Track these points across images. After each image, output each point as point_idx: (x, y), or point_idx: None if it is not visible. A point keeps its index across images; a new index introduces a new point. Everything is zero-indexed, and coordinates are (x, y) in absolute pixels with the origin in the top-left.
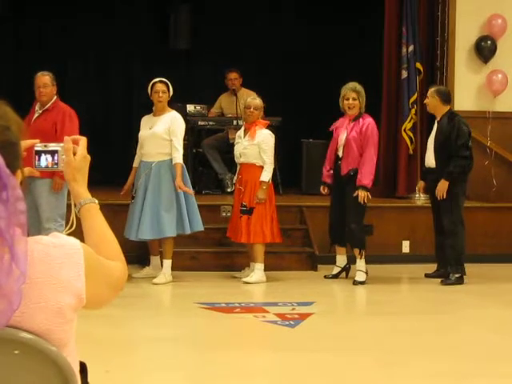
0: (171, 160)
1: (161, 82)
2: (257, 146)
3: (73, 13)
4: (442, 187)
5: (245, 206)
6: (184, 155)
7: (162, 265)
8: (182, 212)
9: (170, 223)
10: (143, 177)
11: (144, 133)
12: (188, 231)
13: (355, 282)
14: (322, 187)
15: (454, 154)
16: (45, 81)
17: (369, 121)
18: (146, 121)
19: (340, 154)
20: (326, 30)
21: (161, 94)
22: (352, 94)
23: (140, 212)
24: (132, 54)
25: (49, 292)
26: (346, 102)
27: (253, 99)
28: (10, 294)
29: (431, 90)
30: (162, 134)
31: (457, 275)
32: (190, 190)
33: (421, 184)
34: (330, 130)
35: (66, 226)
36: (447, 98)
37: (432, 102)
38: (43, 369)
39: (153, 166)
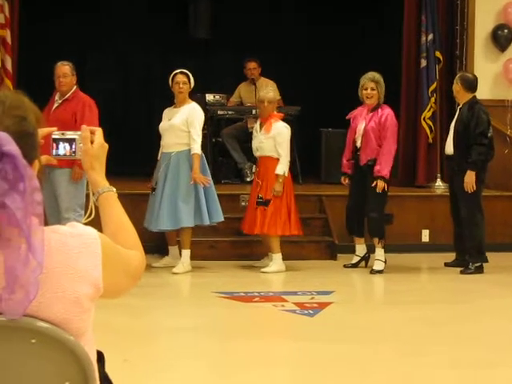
0: (190, 150)
1: (182, 73)
2: (272, 139)
3: (93, 3)
4: (470, 179)
5: (261, 198)
6: (203, 145)
7: (180, 254)
8: (200, 203)
9: (188, 214)
10: (163, 168)
11: (163, 124)
12: (207, 222)
13: (373, 271)
14: (342, 178)
15: (473, 142)
16: (65, 70)
17: (388, 111)
18: (166, 113)
19: (358, 144)
20: (346, 18)
21: (181, 85)
22: (370, 84)
23: (159, 203)
24: (151, 43)
25: (66, 282)
26: (364, 91)
27: (266, 93)
28: (27, 284)
29: (457, 77)
30: (180, 126)
31: (476, 264)
32: (206, 181)
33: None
34: (348, 118)
35: (85, 216)
36: (471, 85)
37: (455, 88)
38: (60, 358)
39: (172, 157)
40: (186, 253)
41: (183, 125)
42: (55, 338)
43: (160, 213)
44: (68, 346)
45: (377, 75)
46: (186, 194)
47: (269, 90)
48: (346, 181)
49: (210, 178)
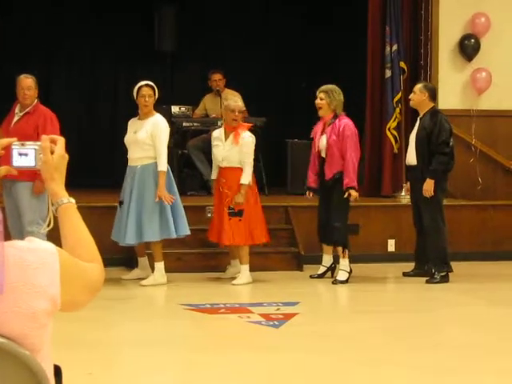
0: (155, 164)
1: (147, 85)
2: (240, 150)
3: (57, 13)
4: (429, 186)
5: (233, 209)
6: (169, 157)
7: (152, 266)
8: (166, 217)
9: (153, 228)
10: (128, 181)
11: (128, 137)
12: (174, 235)
13: (335, 281)
14: (307, 192)
15: (435, 150)
16: (29, 83)
17: (345, 122)
18: (131, 124)
19: (323, 155)
20: (311, 29)
21: (147, 99)
22: (320, 94)
23: (126, 217)
24: (117, 55)
25: (23, 297)
26: (316, 101)
27: (235, 102)
28: None
29: (419, 86)
30: (145, 139)
31: (442, 273)
32: (171, 200)
33: (409, 184)
34: (312, 137)
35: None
36: (434, 94)
37: (419, 97)
38: (16, 373)
39: (137, 170)
40: (160, 265)
41: (148, 138)
42: (10, 353)
43: (126, 227)
44: (23, 360)
45: (330, 86)
46: (151, 208)
47: (237, 99)
48: (311, 195)
49: (177, 193)
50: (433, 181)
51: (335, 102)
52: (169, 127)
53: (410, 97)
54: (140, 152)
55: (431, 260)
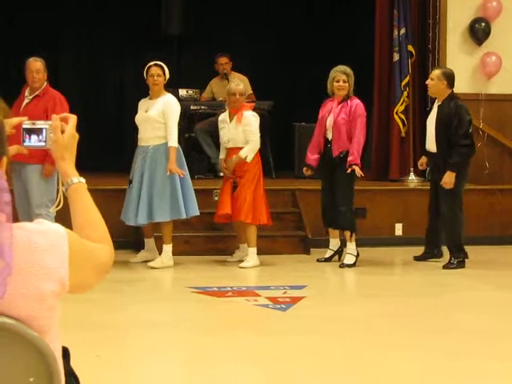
0: (166, 144)
1: (156, 65)
2: (243, 129)
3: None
4: (449, 179)
5: (235, 182)
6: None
7: (159, 249)
8: (177, 197)
9: (163, 208)
10: (139, 161)
11: (140, 116)
12: (184, 216)
13: (342, 265)
14: (304, 168)
15: (455, 143)
16: (38, 66)
17: (356, 102)
18: (142, 104)
19: (329, 136)
20: (318, 14)
21: (156, 78)
22: (342, 77)
23: (137, 198)
24: (124, 39)
25: (31, 279)
26: (336, 83)
27: (236, 85)
28: None
29: (438, 73)
30: (157, 117)
31: (459, 259)
32: (182, 172)
33: (423, 159)
34: (321, 116)
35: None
36: (453, 81)
37: (438, 85)
38: (24, 354)
39: (149, 150)
40: (168, 248)
41: (159, 116)
42: (19, 334)
43: (138, 208)
44: (32, 342)
45: (348, 69)
46: (162, 189)
47: (239, 82)
48: (308, 172)
49: (187, 172)
50: (453, 174)
51: (352, 84)
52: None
53: (426, 82)
54: (151, 131)
55: (448, 247)
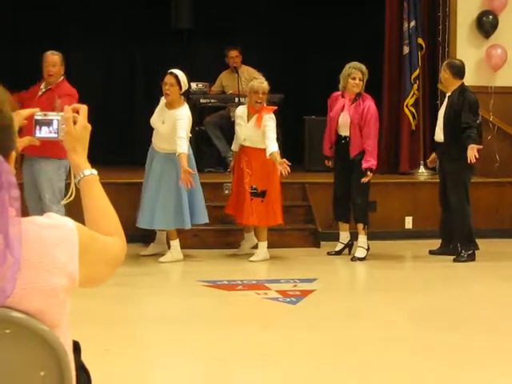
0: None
1: (171, 73)
2: (263, 132)
3: None
4: (472, 151)
5: (255, 189)
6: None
7: (168, 243)
8: (182, 206)
9: (167, 216)
10: (148, 162)
11: (155, 123)
12: (188, 226)
13: (354, 258)
14: (326, 161)
15: (465, 125)
16: (55, 60)
17: (369, 103)
18: (159, 110)
19: (343, 133)
20: (328, 6)
21: (167, 87)
22: (359, 74)
23: (143, 199)
24: (134, 33)
25: (42, 273)
26: (351, 81)
27: (260, 83)
28: (4, 280)
29: (443, 64)
30: (170, 133)
31: (469, 252)
32: (192, 182)
33: (433, 156)
34: (333, 113)
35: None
36: (459, 71)
37: (443, 75)
38: (35, 348)
39: (159, 155)
40: (175, 243)
41: (173, 132)
42: (30, 329)
43: (142, 210)
44: (43, 336)
45: (363, 66)
46: (167, 196)
47: (263, 80)
48: (330, 163)
49: (197, 174)
50: (473, 146)
51: (365, 82)
52: (191, 119)
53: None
54: (164, 143)
55: (458, 239)
